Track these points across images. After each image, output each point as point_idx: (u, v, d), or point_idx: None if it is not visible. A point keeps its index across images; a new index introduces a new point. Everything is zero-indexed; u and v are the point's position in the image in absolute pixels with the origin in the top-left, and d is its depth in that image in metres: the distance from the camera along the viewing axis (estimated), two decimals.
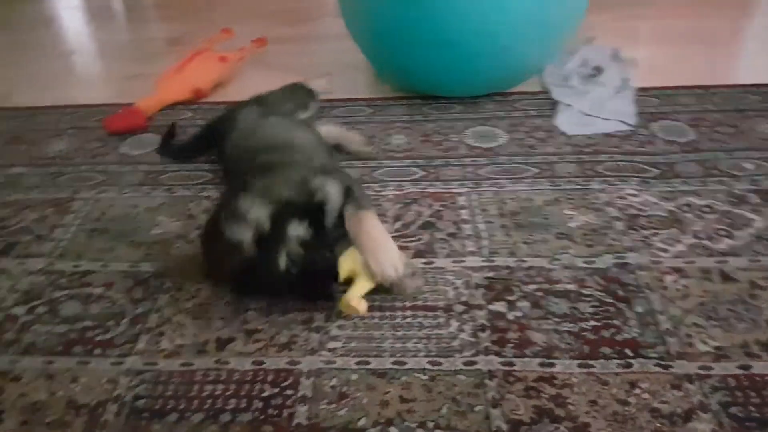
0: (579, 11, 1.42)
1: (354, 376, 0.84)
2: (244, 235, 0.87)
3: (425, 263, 1.02)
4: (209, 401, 0.82)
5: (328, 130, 1.35)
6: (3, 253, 1.12)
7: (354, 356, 0.87)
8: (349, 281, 0.92)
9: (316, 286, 0.92)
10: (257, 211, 0.88)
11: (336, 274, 0.91)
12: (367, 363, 0.85)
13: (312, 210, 0.95)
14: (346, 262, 0.92)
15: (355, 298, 0.91)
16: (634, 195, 1.15)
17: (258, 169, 1.03)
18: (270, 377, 0.85)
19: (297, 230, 0.90)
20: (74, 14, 2.57)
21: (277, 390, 0.83)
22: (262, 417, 0.79)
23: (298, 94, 1.39)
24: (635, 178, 1.19)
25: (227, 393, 0.83)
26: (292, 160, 1.06)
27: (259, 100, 1.35)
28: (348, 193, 0.99)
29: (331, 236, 0.96)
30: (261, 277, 0.89)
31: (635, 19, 1.96)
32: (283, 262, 0.88)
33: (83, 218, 1.19)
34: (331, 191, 0.97)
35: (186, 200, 1.22)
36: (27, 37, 2.26)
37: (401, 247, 1.03)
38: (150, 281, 1.02)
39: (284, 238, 0.89)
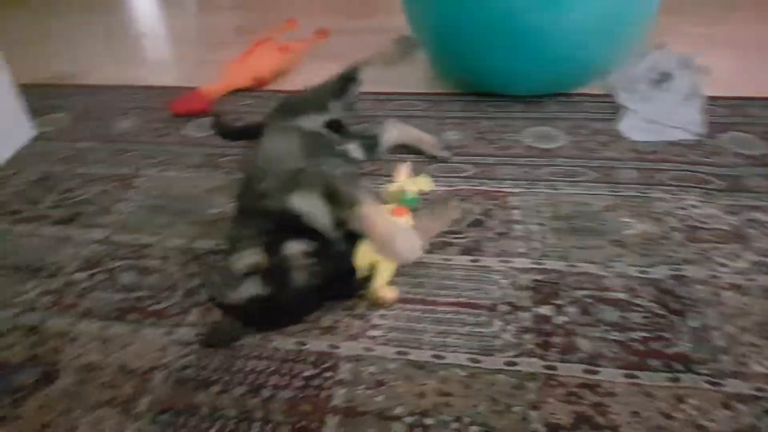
0: (649, 12, 1.37)
1: (392, 365, 0.84)
2: (247, 288, 0.86)
3: (472, 261, 1.01)
4: (252, 376, 0.84)
5: (403, 132, 1.33)
6: (68, 221, 1.18)
7: (394, 346, 0.87)
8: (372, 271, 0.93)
9: (340, 286, 0.92)
10: (245, 259, 0.87)
11: (354, 268, 0.91)
12: (407, 354, 0.86)
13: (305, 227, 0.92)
14: (364, 253, 0.92)
15: (381, 287, 0.92)
16: (696, 206, 1.10)
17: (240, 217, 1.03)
18: (311, 358, 0.86)
19: (295, 248, 0.89)
20: (148, 1, 2.68)
21: (317, 371, 0.84)
22: (301, 395, 0.81)
23: (321, 93, 1.30)
24: (698, 189, 1.14)
25: (269, 369, 0.85)
26: (264, 192, 1.00)
27: (283, 106, 1.31)
28: (333, 195, 0.94)
29: (338, 239, 0.93)
30: (293, 301, 0.89)
31: (712, 24, 1.88)
32: (301, 278, 0.88)
33: (144, 194, 1.24)
34: (304, 207, 0.93)
35: None
36: (103, 19, 2.38)
37: (448, 244, 1.04)
38: (203, 257, 1.05)
39: (286, 260, 0.88)
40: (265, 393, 0.82)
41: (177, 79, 1.78)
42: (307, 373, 0.84)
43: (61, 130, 1.53)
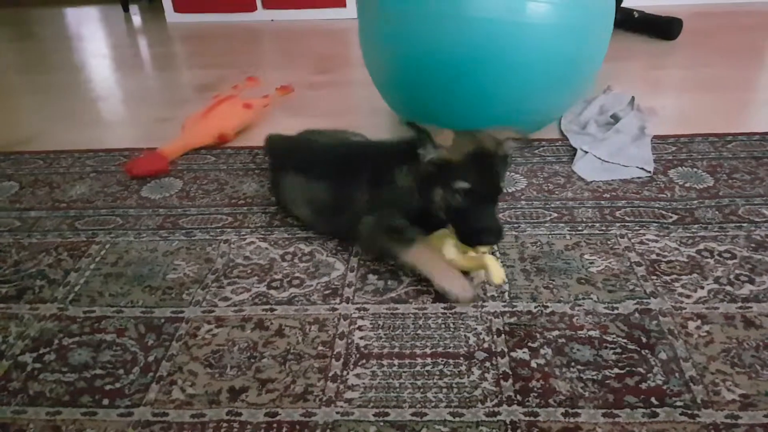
0: (596, 62, 1.45)
1: (372, 429, 0.81)
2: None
3: (445, 308, 1.00)
4: None
5: None
6: (15, 298, 1.10)
7: (372, 407, 0.84)
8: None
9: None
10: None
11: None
12: (386, 414, 0.82)
13: None
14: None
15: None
16: (654, 240, 1.13)
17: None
18: (284, 430, 0.81)
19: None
20: (103, 62, 2.65)
21: None
22: None
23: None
24: (654, 224, 1.18)
25: None
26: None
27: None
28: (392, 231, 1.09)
29: None
30: None
31: (653, 68, 1.99)
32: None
33: (99, 262, 1.19)
34: None
35: (204, 243, 1.22)
36: (57, 81, 2.33)
37: (421, 292, 1.03)
38: (163, 327, 1.01)
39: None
40: None
41: (135, 140, 1.74)
42: None
43: (9, 199, 1.46)
